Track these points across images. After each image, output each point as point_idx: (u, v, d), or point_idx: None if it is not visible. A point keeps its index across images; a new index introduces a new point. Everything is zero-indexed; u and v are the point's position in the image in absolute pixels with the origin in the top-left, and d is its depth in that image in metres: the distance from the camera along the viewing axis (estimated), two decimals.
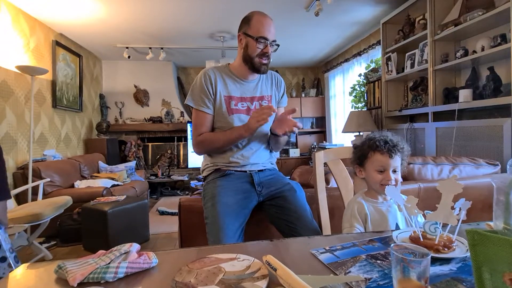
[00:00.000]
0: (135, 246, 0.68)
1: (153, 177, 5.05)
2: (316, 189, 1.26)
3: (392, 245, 0.53)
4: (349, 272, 0.61)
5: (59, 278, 0.62)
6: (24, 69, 2.76)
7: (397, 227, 0.96)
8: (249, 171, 1.31)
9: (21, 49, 3.07)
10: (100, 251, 0.70)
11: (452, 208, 0.68)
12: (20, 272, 0.66)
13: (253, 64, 1.29)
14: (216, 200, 1.17)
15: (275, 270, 0.58)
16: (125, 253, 0.66)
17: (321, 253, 0.71)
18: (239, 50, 1.35)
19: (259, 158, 1.34)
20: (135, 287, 0.58)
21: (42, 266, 0.69)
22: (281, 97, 1.47)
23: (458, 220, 0.67)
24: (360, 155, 1.05)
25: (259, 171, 1.32)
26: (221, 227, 1.08)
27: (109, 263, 0.62)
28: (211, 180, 1.30)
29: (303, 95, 5.78)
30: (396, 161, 0.98)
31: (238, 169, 1.30)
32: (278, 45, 1.32)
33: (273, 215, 1.24)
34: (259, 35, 1.25)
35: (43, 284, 0.61)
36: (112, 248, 0.69)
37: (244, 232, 1.16)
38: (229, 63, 1.40)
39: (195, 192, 1.56)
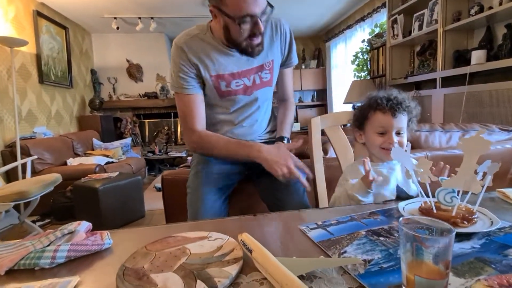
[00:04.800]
0: (84, 225, 0.56)
1: (150, 154, 4.94)
2: (312, 159, 1.13)
3: (400, 219, 0.40)
4: (344, 252, 0.49)
5: None
6: (1, 40, 2.57)
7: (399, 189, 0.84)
8: None
9: None
10: (47, 231, 0.59)
11: (475, 172, 0.55)
12: None
13: (242, 49, 0.93)
14: (199, 168, 1.05)
15: (251, 251, 0.46)
16: (69, 233, 0.54)
17: (312, 229, 0.58)
18: (216, 25, 0.93)
19: (255, 133, 1.14)
20: (76, 275, 0.46)
21: None
22: (288, 54, 1.09)
23: (483, 187, 0.54)
24: (359, 116, 0.90)
25: None
26: (201, 197, 0.97)
27: (47, 246, 0.51)
28: None
29: (303, 66, 5.51)
30: (401, 122, 0.84)
31: None
32: (272, 6, 0.87)
33: (263, 191, 1.12)
34: (242, 13, 0.82)
35: None
36: (59, 227, 0.57)
37: (229, 206, 1.05)
38: (210, 24, 0.97)
39: (181, 165, 1.43)
